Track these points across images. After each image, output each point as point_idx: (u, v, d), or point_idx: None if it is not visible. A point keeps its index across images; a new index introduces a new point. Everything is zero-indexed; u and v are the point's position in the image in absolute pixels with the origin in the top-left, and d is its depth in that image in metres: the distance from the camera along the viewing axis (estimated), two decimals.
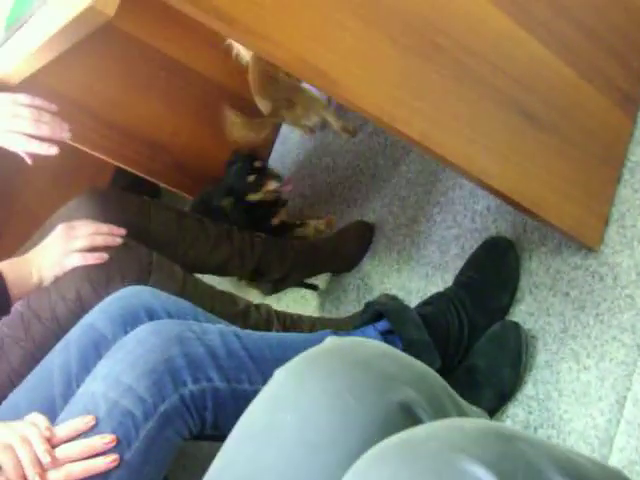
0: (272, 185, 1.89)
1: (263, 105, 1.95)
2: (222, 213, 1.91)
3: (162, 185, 2.43)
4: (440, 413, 0.66)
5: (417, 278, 1.71)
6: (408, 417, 0.63)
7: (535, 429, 1.36)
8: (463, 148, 1.16)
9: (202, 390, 1.05)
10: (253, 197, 1.91)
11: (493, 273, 1.47)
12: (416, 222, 1.79)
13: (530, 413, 1.38)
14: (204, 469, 0.75)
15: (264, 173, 1.90)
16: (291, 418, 0.64)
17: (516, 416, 1.39)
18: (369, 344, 0.72)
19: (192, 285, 1.56)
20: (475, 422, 0.57)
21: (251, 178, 1.87)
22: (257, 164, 1.90)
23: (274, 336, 1.23)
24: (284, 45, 0.98)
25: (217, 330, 1.14)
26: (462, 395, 1.36)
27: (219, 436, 1.49)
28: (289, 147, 2.39)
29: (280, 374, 0.70)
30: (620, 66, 1.40)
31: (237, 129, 1.92)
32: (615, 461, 1.25)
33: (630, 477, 1.20)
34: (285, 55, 1.00)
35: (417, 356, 1.31)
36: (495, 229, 1.59)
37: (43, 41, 1.08)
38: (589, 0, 1.35)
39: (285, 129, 2.43)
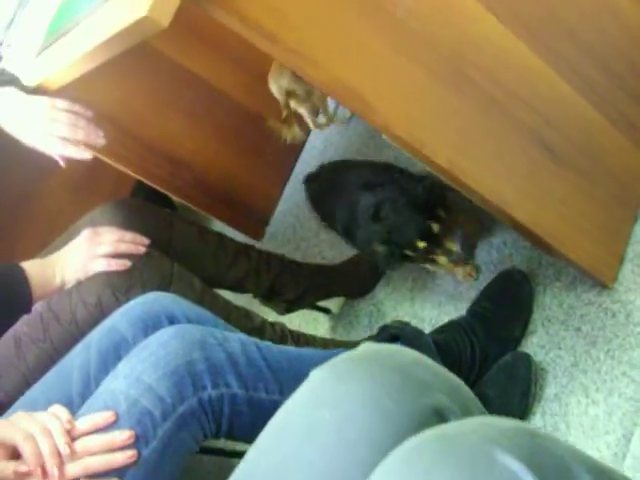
0: (443, 261, 1.47)
1: (276, 89, 1.91)
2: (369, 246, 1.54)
3: (177, 201, 2.46)
4: None
5: (430, 307, 1.74)
6: (441, 421, 0.65)
7: None
8: (487, 178, 1.19)
9: (220, 395, 1.07)
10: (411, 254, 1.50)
11: (507, 304, 1.49)
12: None
13: None
14: None
15: (439, 244, 1.45)
16: (330, 416, 0.66)
17: None
18: (405, 352, 0.75)
19: (210, 298, 1.58)
20: (507, 420, 0.59)
21: (421, 244, 1.43)
22: (435, 229, 1.44)
23: (293, 350, 1.26)
24: (324, 67, 1.02)
25: (238, 339, 1.16)
26: None
27: (222, 451, 1.52)
28: (312, 159, 2.41)
29: (318, 373, 0.72)
30: None
31: (286, 130, 1.90)
32: None
33: None
34: (324, 77, 1.03)
35: None
36: (510, 263, 1.61)
37: (89, 49, 1.12)
38: (615, 43, 1.39)
39: (303, 156, 2.47)
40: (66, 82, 1.41)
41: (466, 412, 0.69)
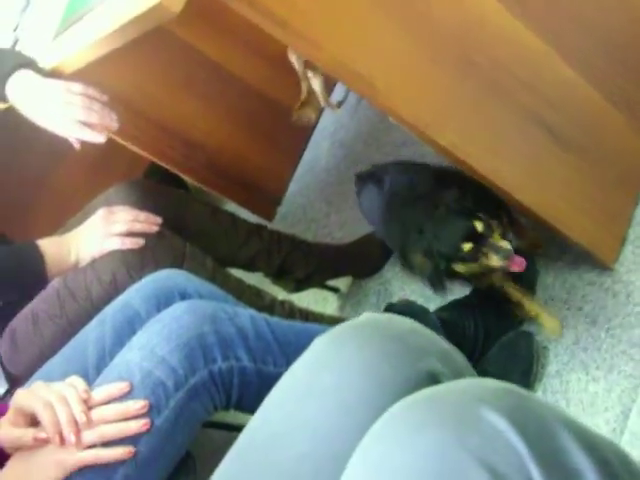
0: (494, 261, 1.31)
1: (296, 59, 1.91)
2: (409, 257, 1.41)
3: (190, 183, 2.50)
4: None
5: None
6: (435, 384, 0.69)
7: None
8: (489, 159, 1.22)
9: (230, 368, 1.11)
10: (461, 268, 1.36)
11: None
12: None
13: None
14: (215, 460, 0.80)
15: (486, 242, 1.30)
16: (330, 379, 0.70)
17: None
18: (403, 320, 0.79)
19: (222, 276, 1.62)
20: (495, 381, 0.63)
21: (467, 246, 1.29)
22: (480, 228, 1.30)
23: (300, 325, 1.29)
24: (330, 51, 1.05)
25: (248, 314, 1.20)
26: None
27: (231, 426, 1.56)
28: (319, 155, 2.45)
29: (321, 340, 0.76)
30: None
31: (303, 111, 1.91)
32: None
33: None
34: (330, 60, 1.07)
35: None
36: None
37: (103, 35, 1.16)
38: (620, 28, 1.41)
39: (314, 138, 2.50)
40: (81, 66, 1.45)
41: (458, 376, 0.72)
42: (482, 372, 1.45)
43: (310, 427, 0.69)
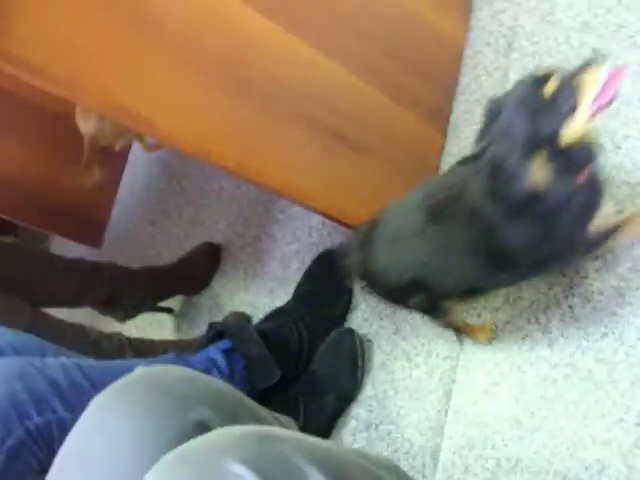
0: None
1: (86, 132, 1.88)
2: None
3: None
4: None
5: (263, 294, 1.79)
6: (205, 432, 0.70)
7: (376, 426, 1.46)
8: (279, 174, 1.24)
9: (47, 421, 1.09)
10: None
11: (327, 284, 1.56)
12: (259, 240, 1.88)
13: (371, 412, 1.48)
14: None
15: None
16: (100, 444, 0.70)
17: (359, 416, 1.49)
18: (171, 371, 0.80)
19: (42, 321, 1.58)
20: (242, 428, 0.66)
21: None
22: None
23: (117, 363, 1.28)
24: (95, 93, 1.04)
25: (59, 364, 1.18)
26: (306, 401, 1.46)
27: None
28: (138, 172, 2.42)
29: (92, 404, 0.76)
30: (425, 83, 1.52)
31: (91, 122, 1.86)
32: (446, 448, 1.36)
33: (461, 461, 1.33)
34: (97, 101, 1.05)
35: (258, 370, 1.40)
36: (330, 242, 1.68)
37: None
38: (391, 24, 1.46)
39: (132, 156, 2.46)
40: None
41: (232, 418, 0.74)
42: (311, 374, 1.49)
43: None
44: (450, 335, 1.41)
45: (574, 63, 0.98)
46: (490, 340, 1.36)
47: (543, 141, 0.96)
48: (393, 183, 1.46)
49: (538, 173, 0.97)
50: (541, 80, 0.98)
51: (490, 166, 1.01)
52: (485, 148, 1.02)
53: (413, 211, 1.14)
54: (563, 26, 1.47)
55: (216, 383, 0.80)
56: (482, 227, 1.05)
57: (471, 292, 1.20)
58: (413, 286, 1.16)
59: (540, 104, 0.96)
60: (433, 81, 1.54)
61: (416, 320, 1.47)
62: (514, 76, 1.50)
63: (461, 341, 1.40)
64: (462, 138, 1.55)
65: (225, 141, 1.18)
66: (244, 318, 1.73)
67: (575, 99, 0.95)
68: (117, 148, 1.95)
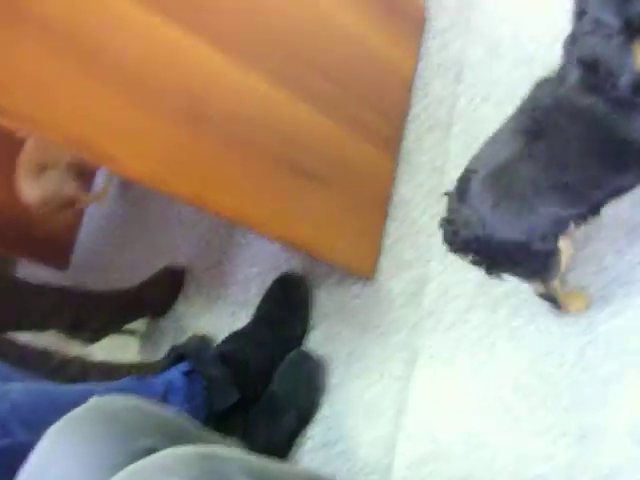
0: None
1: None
2: None
3: None
4: None
5: (225, 316, 1.84)
6: None
7: (333, 445, 1.51)
8: (235, 204, 1.29)
9: (9, 445, 1.12)
10: None
11: (286, 306, 1.62)
12: (221, 263, 1.92)
13: (328, 431, 1.52)
14: None
15: None
16: (52, 474, 0.75)
17: (316, 436, 1.54)
18: (121, 401, 0.84)
19: (6, 345, 1.61)
20: (187, 448, 0.70)
21: None
22: None
23: (79, 388, 1.31)
24: (56, 126, 1.08)
25: (22, 387, 1.21)
26: (266, 421, 1.50)
27: None
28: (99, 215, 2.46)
29: (45, 434, 0.80)
30: (377, 113, 1.58)
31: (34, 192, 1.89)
32: (400, 464, 1.41)
33: (414, 476, 1.38)
34: (57, 135, 1.09)
35: (218, 391, 1.44)
36: (289, 265, 1.73)
37: None
38: (342, 55, 1.51)
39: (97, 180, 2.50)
40: None
41: (180, 443, 0.79)
42: (270, 394, 1.54)
43: None
44: (403, 355, 1.46)
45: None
46: (588, 306, 1.25)
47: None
48: (347, 210, 1.51)
49: None
50: None
51: (589, 62, 0.96)
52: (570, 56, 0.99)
53: (509, 141, 1.05)
54: (509, 58, 1.54)
55: (165, 411, 0.84)
56: (594, 126, 1.00)
57: (593, 207, 1.09)
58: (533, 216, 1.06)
59: None
60: (385, 111, 1.60)
61: (371, 341, 1.53)
62: (462, 105, 1.57)
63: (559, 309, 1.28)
64: (413, 165, 1.61)
65: (181, 172, 1.22)
66: (205, 340, 1.77)
67: None
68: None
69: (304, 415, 1.52)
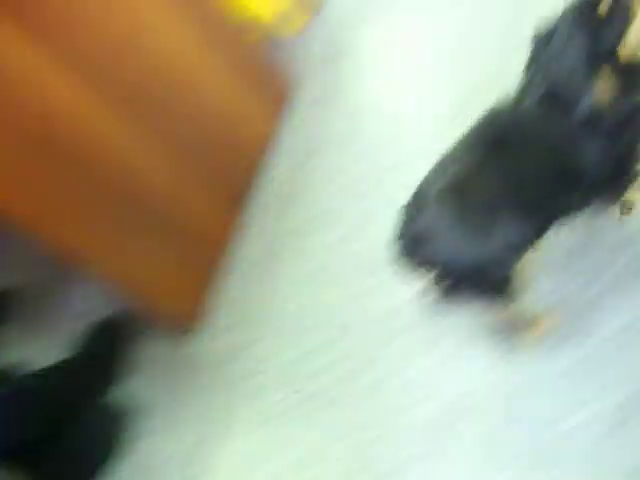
0: None
1: None
2: None
3: None
4: None
5: (52, 347, 1.70)
6: None
7: None
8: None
9: None
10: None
11: (103, 352, 1.54)
12: (45, 298, 1.85)
13: None
14: None
15: None
16: None
17: None
18: None
19: None
20: None
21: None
22: None
23: None
24: None
25: None
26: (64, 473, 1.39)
27: None
28: None
29: None
30: (226, 176, 1.58)
31: None
32: None
33: None
34: None
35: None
36: (111, 309, 1.63)
37: None
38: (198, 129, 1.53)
39: None
40: None
41: None
42: (70, 445, 1.42)
43: None
44: (218, 415, 1.39)
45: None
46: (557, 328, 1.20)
47: (604, 58, 0.96)
48: (180, 263, 1.51)
49: (603, 89, 0.96)
50: (592, 2, 0.97)
51: (551, 87, 1.00)
52: (532, 80, 1.02)
53: (469, 152, 1.05)
54: (370, 161, 1.57)
55: None
56: (549, 147, 1.02)
57: (543, 225, 1.10)
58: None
59: (597, 23, 0.96)
60: (233, 174, 1.62)
61: (189, 394, 1.47)
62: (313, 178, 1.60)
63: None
64: (246, 236, 1.63)
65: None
66: (5, 374, 1.63)
67: (629, 14, 0.95)
68: None
69: (102, 468, 1.43)
